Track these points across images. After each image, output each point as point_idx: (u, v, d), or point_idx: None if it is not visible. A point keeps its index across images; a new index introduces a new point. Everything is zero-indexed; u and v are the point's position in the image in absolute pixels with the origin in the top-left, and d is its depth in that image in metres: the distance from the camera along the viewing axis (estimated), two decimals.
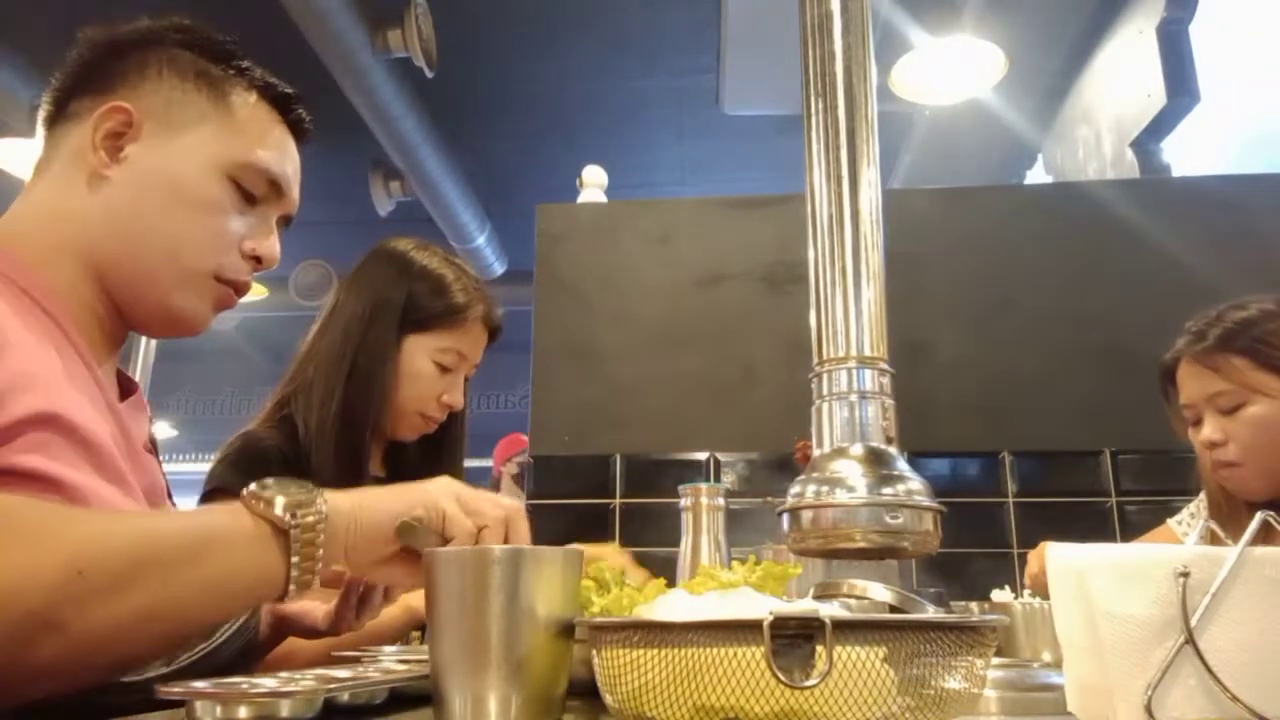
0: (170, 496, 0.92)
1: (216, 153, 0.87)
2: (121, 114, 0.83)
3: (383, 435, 1.42)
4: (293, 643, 1.05)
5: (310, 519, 0.67)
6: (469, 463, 1.56)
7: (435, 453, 1.47)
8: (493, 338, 1.47)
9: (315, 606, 0.97)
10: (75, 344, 0.79)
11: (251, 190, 0.89)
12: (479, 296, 1.43)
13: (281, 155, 0.92)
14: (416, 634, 1.21)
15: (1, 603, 0.55)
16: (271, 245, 0.92)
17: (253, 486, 0.67)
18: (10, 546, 0.57)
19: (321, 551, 0.67)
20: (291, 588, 0.66)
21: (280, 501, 0.66)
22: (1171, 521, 1.62)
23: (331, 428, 1.30)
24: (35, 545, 0.58)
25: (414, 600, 1.13)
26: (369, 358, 1.35)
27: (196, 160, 0.86)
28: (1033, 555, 1.48)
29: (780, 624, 0.44)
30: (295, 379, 1.37)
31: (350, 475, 1.28)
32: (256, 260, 0.91)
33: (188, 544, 0.65)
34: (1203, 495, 1.54)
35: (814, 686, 0.44)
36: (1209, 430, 1.41)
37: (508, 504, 0.77)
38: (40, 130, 0.88)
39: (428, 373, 1.38)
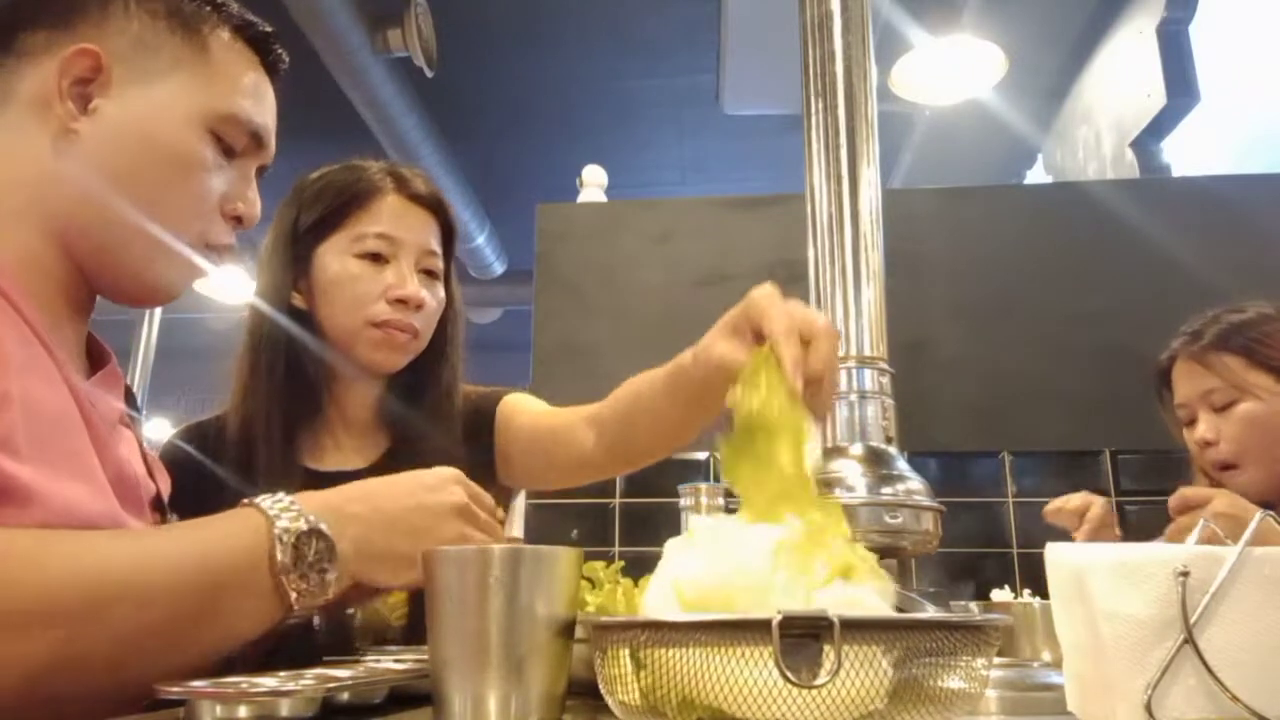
0: (151, 470, 0.85)
1: (196, 104, 0.78)
2: (89, 58, 0.73)
3: (355, 379, 1.18)
4: None
5: (325, 588, 0.68)
6: None
7: (427, 378, 1.21)
8: (436, 214, 1.20)
9: None
10: (30, 321, 0.69)
11: (231, 143, 0.81)
12: (376, 169, 1.19)
13: (262, 103, 0.84)
14: None
15: None
16: (253, 203, 0.84)
17: (284, 536, 0.66)
18: None
19: (326, 595, 0.69)
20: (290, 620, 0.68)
21: (297, 580, 0.66)
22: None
23: (243, 419, 1.12)
24: (21, 628, 0.56)
25: None
26: (259, 309, 1.14)
27: (175, 113, 0.77)
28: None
29: (789, 623, 0.44)
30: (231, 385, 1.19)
31: (267, 466, 1.09)
32: (237, 220, 0.83)
33: (195, 604, 0.63)
34: None
35: (823, 686, 0.44)
36: (1202, 428, 1.42)
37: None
38: None
39: (353, 270, 1.13)
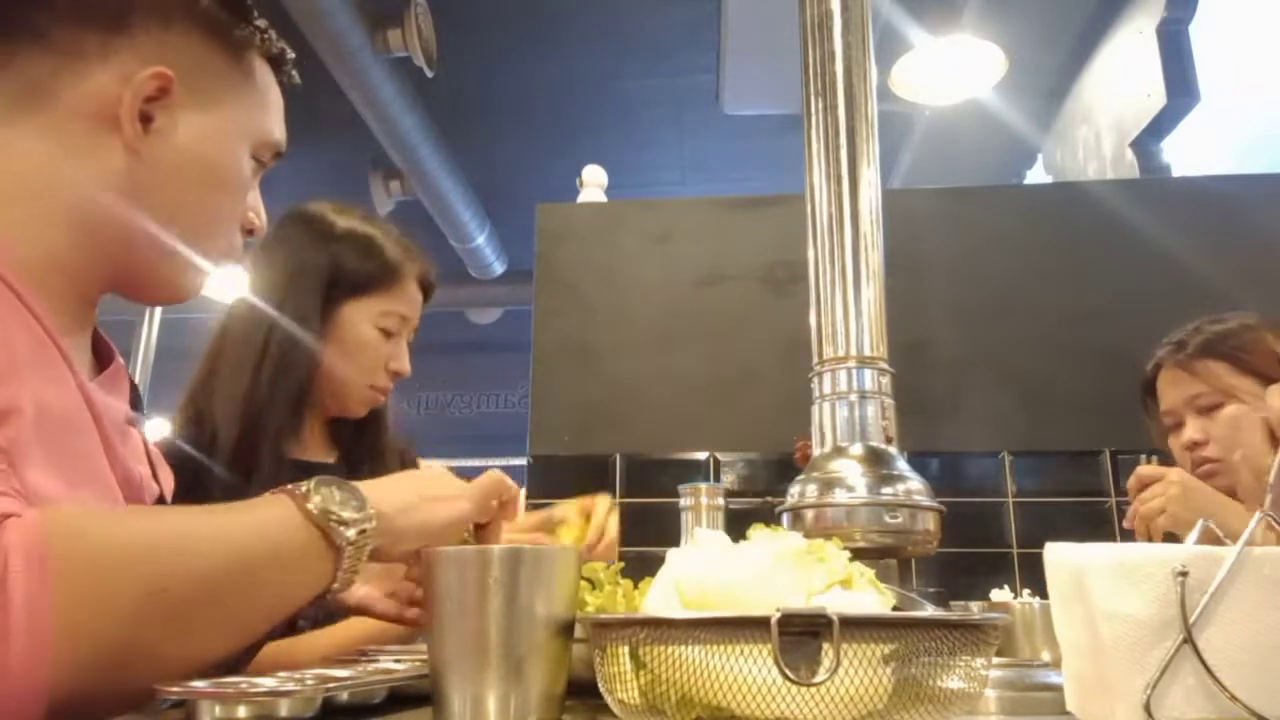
0: (155, 469, 0.85)
1: (245, 128, 0.81)
2: (162, 80, 0.73)
3: (325, 412, 1.33)
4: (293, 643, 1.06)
5: (362, 530, 0.67)
6: (469, 461, 1.54)
7: (365, 424, 1.37)
8: (426, 297, 1.37)
9: (371, 593, 0.95)
10: (43, 322, 0.68)
11: (263, 162, 0.85)
12: (411, 253, 1.33)
13: (282, 122, 0.86)
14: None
15: (85, 634, 0.54)
16: (262, 212, 0.87)
17: (311, 494, 0.66)
18: (85, 572, 0.55)
19: (364, 558, 0.69)
20: (335, 587, 0.68)
21: (337, 516, 0.66)
22: None
23: (247, 420, 1.18)
24: (111, 569, 0.56)
25: None
26: (287, 330, 1.22)
27: (229, 137, 0.80)
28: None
29: (788, 621, 0.44)
30: (203, 373, 1.25)
31: (269, 470, 1.16)
32: (249, 232, 0.86)
33: (257, 557, 0.64)
34: None
35: (822, 683, 0.44)
36: (1190, 431, 1.44)
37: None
38: None
39: (372, 340, 1.28)
